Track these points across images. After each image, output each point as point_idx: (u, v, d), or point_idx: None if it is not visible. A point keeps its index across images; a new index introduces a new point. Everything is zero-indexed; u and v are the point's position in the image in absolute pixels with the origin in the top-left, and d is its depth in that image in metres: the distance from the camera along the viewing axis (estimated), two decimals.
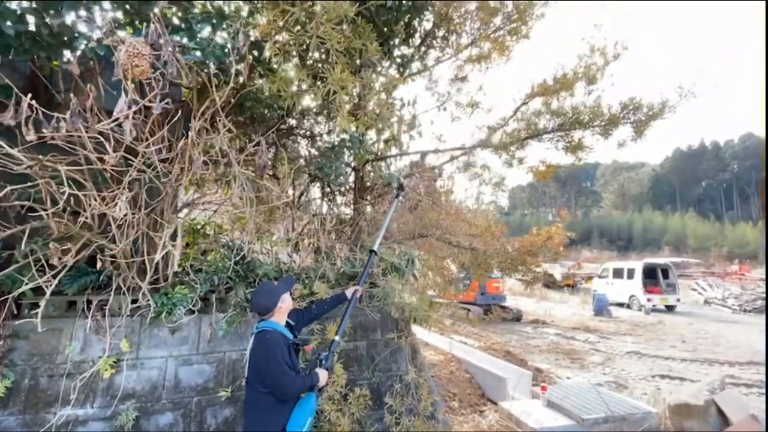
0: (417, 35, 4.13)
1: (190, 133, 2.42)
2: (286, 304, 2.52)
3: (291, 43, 2.47)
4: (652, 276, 17.71)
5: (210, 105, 2.46)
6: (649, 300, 16.71)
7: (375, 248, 3.31)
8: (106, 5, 2.47)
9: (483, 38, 4.09)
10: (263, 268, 3.91)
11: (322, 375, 2.47)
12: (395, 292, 3.45)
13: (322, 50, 2.65)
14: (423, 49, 4.21)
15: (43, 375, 3.04)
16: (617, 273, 18.80)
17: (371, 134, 4.41)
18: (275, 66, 2.69)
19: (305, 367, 2.53)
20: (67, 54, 2.67)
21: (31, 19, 2.17)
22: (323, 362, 2.59)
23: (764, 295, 17.26)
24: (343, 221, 4.80)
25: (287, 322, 2.60)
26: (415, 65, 4.31)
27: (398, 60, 3.61)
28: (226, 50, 2.40)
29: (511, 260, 5.14)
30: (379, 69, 3.20)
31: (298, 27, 2.36)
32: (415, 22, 3.86)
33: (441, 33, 4.17)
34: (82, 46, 2.33)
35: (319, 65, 2.95)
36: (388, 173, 3.97)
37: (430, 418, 3.93)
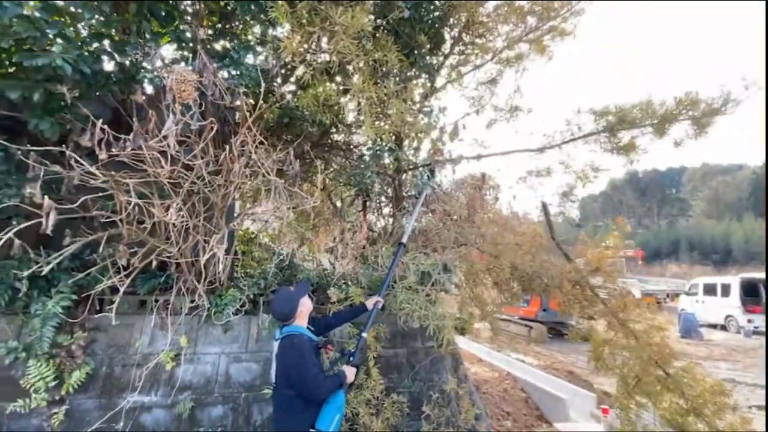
0: (446, 44, 4.19)
1: (226, 147, 2.71)
2: (305, 307, 2.54)
3: (317, 60, 2.68)
4: (752, 293, 15.24)
5: (245, 122, 2.73)
6: (749, 321, 14.38)
7: (404, 241, 3.22)
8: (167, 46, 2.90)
9: (514, 41, 4.00)
10: (305, 273, 4.15)
11: (350, 372, 2.49)
12: (415, 302, 3.25)
13: (348, 66, 2.84)
14: (453, 56, 4.25)
15: (118, 365, 3.49)
16: (709, 289, 16.46)
17: (408, 143, 4.52)
18: (304, 83, 2.92)
19: (330, 366, 2.58)
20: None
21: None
22: (351, 359, 2.65)
23: None
24: (385, 230, 4.90)
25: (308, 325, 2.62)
26: (447, 72, 4.35)
27: (426, 69, 3.67)
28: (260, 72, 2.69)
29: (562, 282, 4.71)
30: (403, 78, 3.29)
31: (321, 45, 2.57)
32: (443, 31, 3.92)
33: (469, 39, 4.18)
34: (146, 79, 2.76)
35: (344, 79, 3.14)
36: (416, 180, 3.99)
37: None
